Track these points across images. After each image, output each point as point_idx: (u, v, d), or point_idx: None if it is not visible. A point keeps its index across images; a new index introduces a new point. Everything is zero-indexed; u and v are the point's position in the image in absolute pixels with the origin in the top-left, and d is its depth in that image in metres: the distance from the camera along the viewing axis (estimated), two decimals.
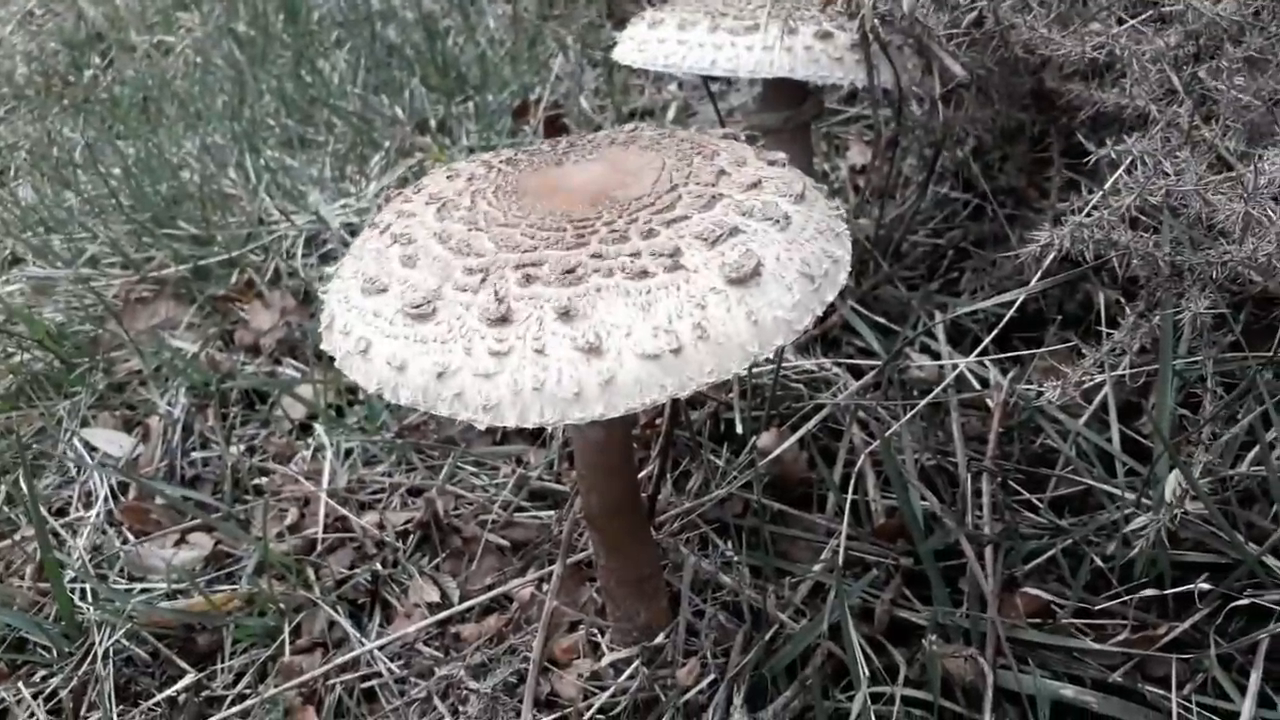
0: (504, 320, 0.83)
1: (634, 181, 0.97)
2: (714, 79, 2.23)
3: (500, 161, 1.08)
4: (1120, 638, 1.19)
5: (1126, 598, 1.23)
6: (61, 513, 1.74)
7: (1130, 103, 1.45)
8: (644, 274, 0.85)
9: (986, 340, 1.49)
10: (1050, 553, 1.29)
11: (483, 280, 0.87)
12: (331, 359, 0.96)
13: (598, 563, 1.28)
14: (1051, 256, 1.33)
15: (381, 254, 0.96)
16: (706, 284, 0.85)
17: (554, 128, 2.59)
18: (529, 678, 1.20)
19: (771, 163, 1.03)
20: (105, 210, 2.54)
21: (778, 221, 0.92)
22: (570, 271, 0.85)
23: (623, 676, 1.28)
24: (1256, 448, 1.26)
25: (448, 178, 1.07)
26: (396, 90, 2.94)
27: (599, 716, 1.26)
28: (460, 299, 0.86)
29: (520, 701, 1.28)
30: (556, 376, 0.81)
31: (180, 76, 3.67)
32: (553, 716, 1.27)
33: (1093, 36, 1.41)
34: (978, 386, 1.56)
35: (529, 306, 0.84)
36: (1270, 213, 1.13)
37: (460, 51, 3.08)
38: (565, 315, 0.82)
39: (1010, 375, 1.48)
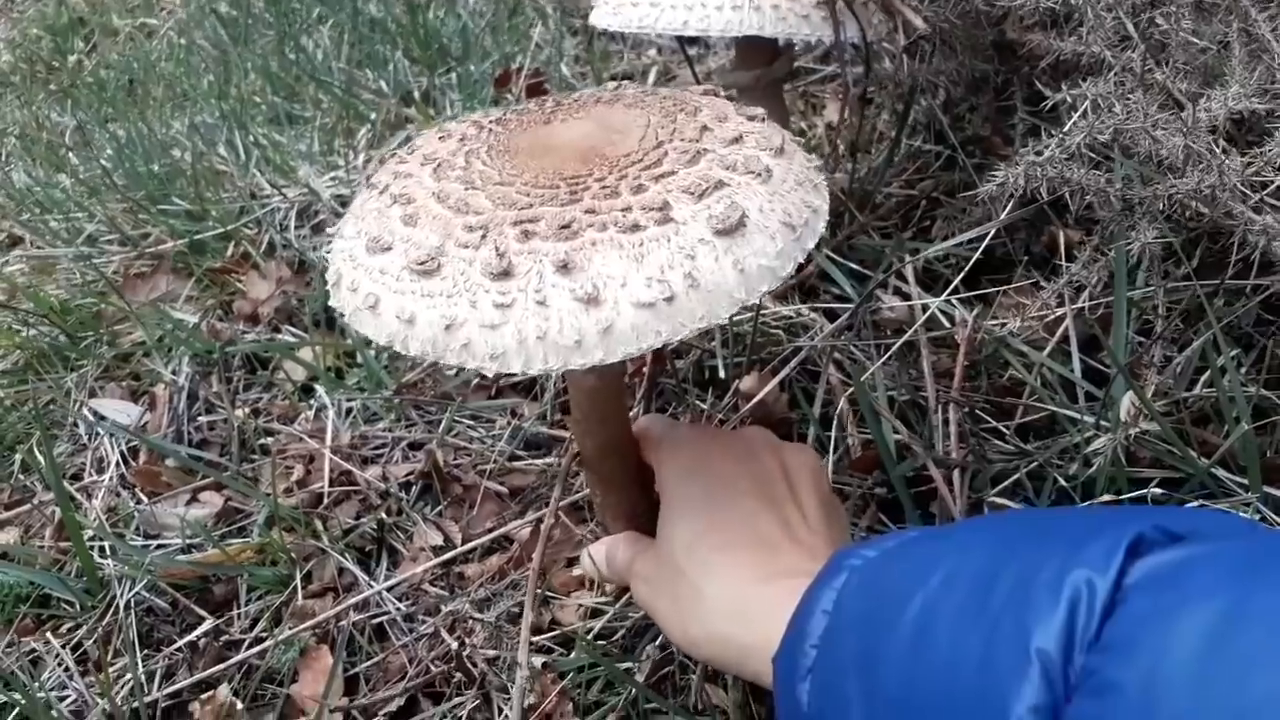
0: (506, 274, 0.86)
1: (621, 139, 1.00)
2: (691, 42, 2.29)
3: (490, 122, 1.11)
4: None
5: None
6: (76, 478, 1.81)
7: (1087, 50, 1.51)
8: (636, 227, 0.88)
9: (956, 280, 1.57)
10: (1016, 476, 1.38)
11: (483, 237, 0.90)
12: (332, 321, 1.01)
13: (595, 501, 1.35)
14: (1013, 196, 1.40)
15: (383, 213, 0.99)
16: (695, 235, 0.88)
17: (535, 95, 2.65)
18: (529, 584, 1.26)
19: (751, 118, 1.07)
20: (99, 190, 2.60)
21: (759, 175, 0.94)
22: (566, 227, 0.88)
23: (619, 604, 1.36)
24: (1209, 371, 1.34)
25: (440, 138, 1.10)
26: (380, 64, 2.99)
27: (600, 641, 1.34)
28: (463, 255, 0.89)
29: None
30: (558, 326, 0.84)
31: (165, 58, 3.71)
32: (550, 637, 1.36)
33: None
34: (948, 325, 1.63)
35: (529, 260, 0.87)
36: (1211, 146, 1.20)
37: (441, 24, 3.13)
38: (564, 268, 0.85)
39: (975, 312, 1.56)
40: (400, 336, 0.90)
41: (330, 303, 1.00)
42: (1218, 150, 1.23)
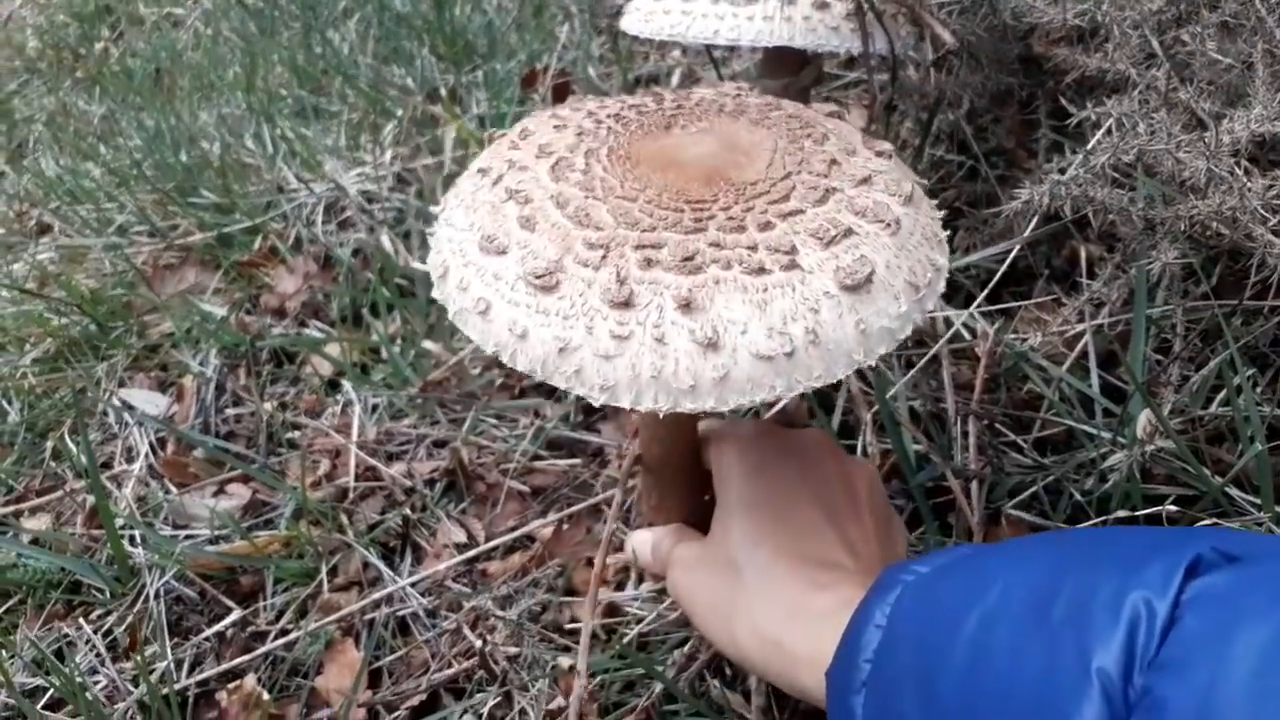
0: (626, 304, 0.83)
1: (747, 163, 0.97)
2: (716, 46, 2.30)
3: (608, 116, 1.07)
4: None
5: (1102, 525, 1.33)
6: (106, 466, 1.85)
7: (1112, 67, 1.53)
8: (761, 270, 0.85)
9: (980, 297, 1.59)
10: (1033, 488, 1.40)
11: (603, 257, 0.87)
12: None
13: (647, 504, 1.35)
14: (1035, 213, 1.42)
15: (497, 209, 0.95)
16: (821, 287, 0.85)
17: (562, 96, 2.67)
18: (589, 596, 1.23)
19: (879, 153, 1.02)
20: (128, 180, 2.64)
21: (889, 225, 0.91)
22: (689, 259, 0.85)
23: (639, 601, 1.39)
24: (1225, 390, 1.36)
25: (555, 127, 1.05)
26: (406, 59, 3.01)
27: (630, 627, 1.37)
28: (582, 274, 0.86)
29: (543, 628, 1.40)
30: (674, 367, 0.82)
31: (191, 48, 3.74)
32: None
33: (1075, 4, 1.49)
34: (969, 338, 1.65)
35: (649, 292, 0.84)
36: (1233, 168, 1.22)
37: (468, 20, 3.15)
38: (685, 307, 0.83)
39: (996, 326, 1.58)
40: (510, 349, 0.88)
41: (434, 294, 0.97)
42: (1239, 172, 1.25)
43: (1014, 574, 0.78)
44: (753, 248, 0.87)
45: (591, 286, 0.85)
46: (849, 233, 0.89)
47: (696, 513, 1.25)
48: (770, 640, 0.97)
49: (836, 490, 1.08)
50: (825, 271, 0.86)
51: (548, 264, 0.87)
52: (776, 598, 0.99)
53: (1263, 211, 1.22)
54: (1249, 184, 1.24)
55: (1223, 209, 1.24)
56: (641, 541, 1.22)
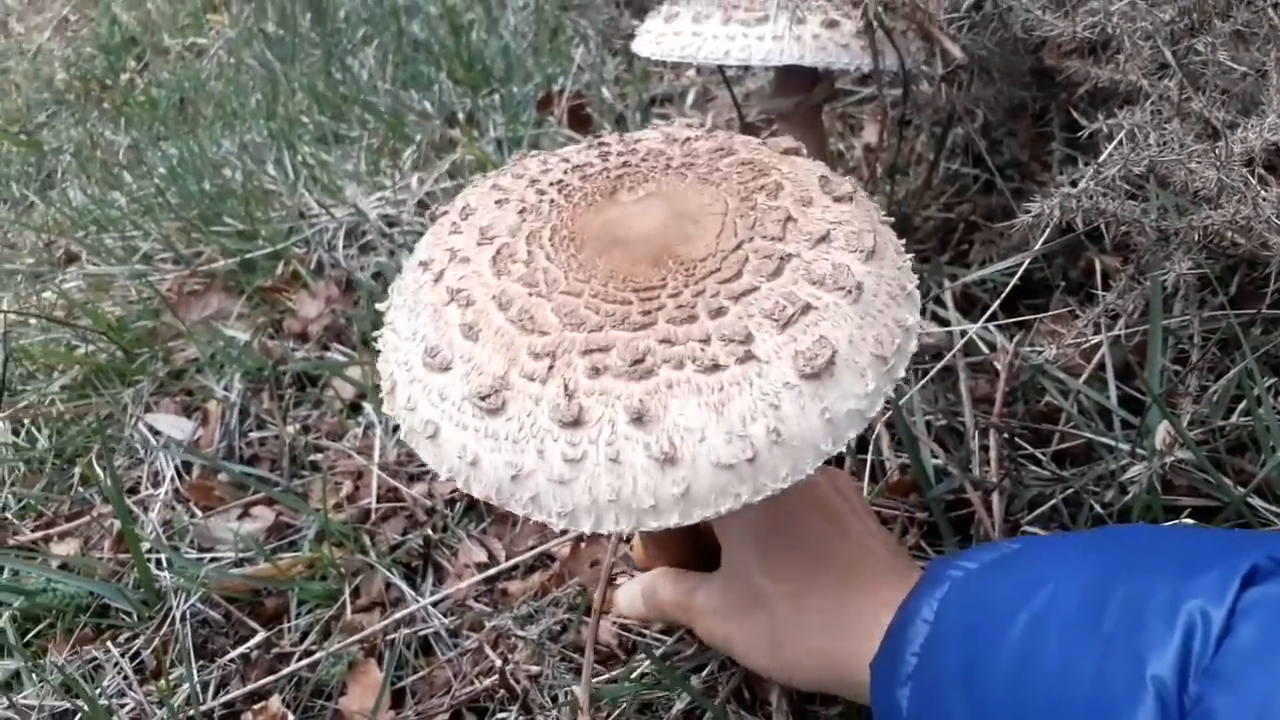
0: (576, 423, 0.79)
1: (697, 233, 0.91)
2: (729, 66, 2.32)
3: (551, 184, 1.02)
4: None
5: None
6: (133, 491, 1.87)
7: (1124, 78, 1.53)
8: (715, 367, 0.80)
9: (994, 307, 1.59)
10: (1052, 501, 1.39)
11: (550, 368, 0.82)
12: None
13: (641, 550, 1.33)
14: (1049, 225, 1.42)
15: (439, 314, 0.91)
16: (780, 377, 0.80)
17: (578, 118, 2.70)
18: (589, 633, 1.27)
19: (838, 199, 0.97)
20: (153, 209, 2.68)
21: (850, 292, 0.86)
22: (639, 361, 0.81)
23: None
24: (1245, 400, 1.35)
25: (497, 202, 1.01)
26: (425, 85, 3.05)
27: (639, 656, 1.38)
28: (529, 390, 0.82)
29: (563, 647, 1.40)
30: (632, 487, 0.78)
31: (214, 77, 3.81)
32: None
33: (1085, 17, 1.50)
34: (986, 351, 1.65)
35: (600, 404, 0.80)
36: (1246, 178, 1.22)
37: (485, 44, 3.19)
38: (638, 420, 0.78)
39: (1015, 339, 1.58)
40: (463, 475, 0.84)
41: (384, 409, 0.94)
42: (1253, 181, 1.25)
43: (1063, 576, 0.78)
44: (705, 340, 0.82)
45: (539, 404, 0.81)
46: (807, 309, 0.84)
47: (691, 555, 1.25)
48: (821, 650, 0.98)
49: (832, 498, 1.09)
50: (783, 359, 0.81)
51: (493, 381, 0.83)
52: (813, 620, 0.99)
53: (1277, 220, 1.21)
54: (1263, 193, 1.24)
55: (1237, 218, 1.24)
56: (629, 595, 1.24)
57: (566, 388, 0.81)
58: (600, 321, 0.84)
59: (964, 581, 0.85)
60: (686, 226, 0.92)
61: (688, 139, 1.07)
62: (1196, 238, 1.28)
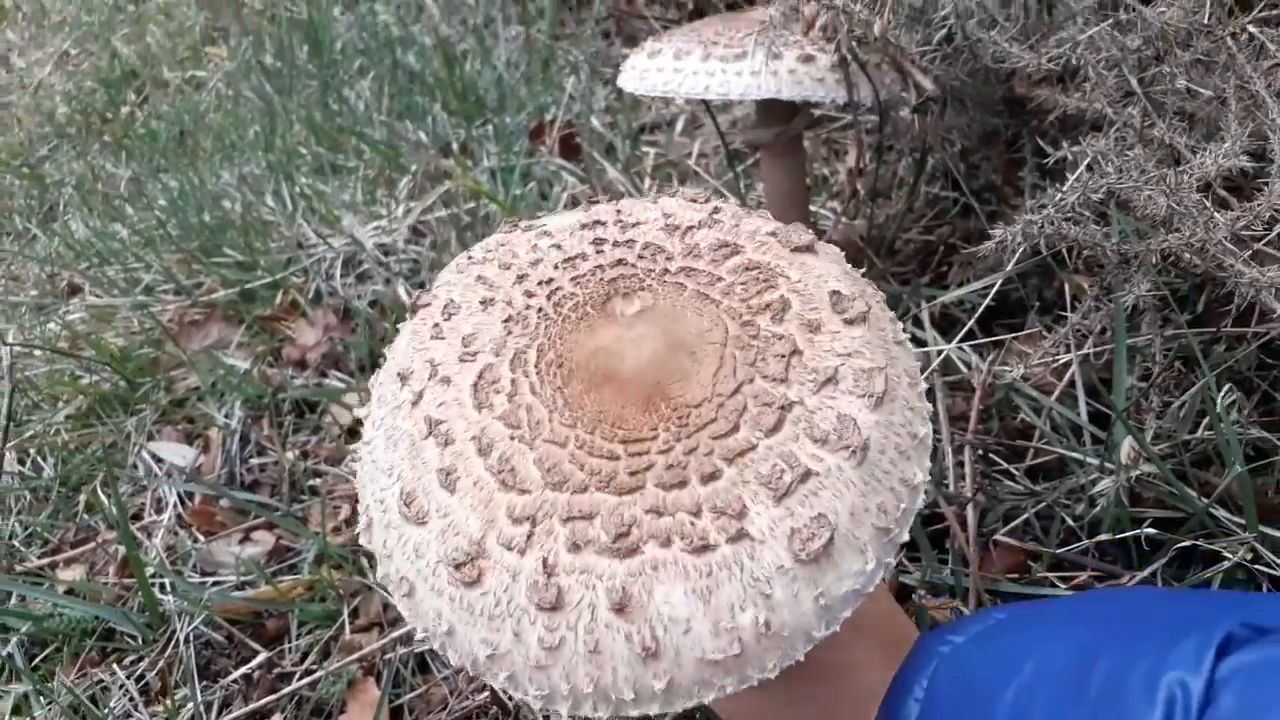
0: (554, 608, 0.75)
1: (692, 368, 0.85)
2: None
3: (539, 281, 0.96)
4: (1082, 579, 1.35)
5: (1094, 550, 1.38)
6: (136, 517, 1.92)
7: (1089, 106, 1.59)
8: (705, 547, 0.75)
9: (969, 323, 1.64)
10: (1025, 515, 1.45)
11: (529, 535, 0.78)
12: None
13: None
14: (1017, 249, 1.48)
15: (416, 450, 0.86)
16: (773, 561, 0.75)
17: (569, 147, 2.76)
18: None
19: (849, 321, 0.89)
20: (154, 241, 2.74)
21: (855, 453, 0.79)
22: (624, 535, 0.76)
23: None
24: (1208, 415, 1.40)
25: (481, 303, 0.96)
26: (419, 115, 3.12)
27: None
28: (507, 561, 0.78)
29: None
30: (611, 678, 0.75)
31: (213, 109, 3.88)
32: None
33: (1049, 49, 1.56)
34: (963, 370, 1.71)
35: (580, 586, 0.75)
36: (1202, 202, 1.28)
37: (478, 75, 3.26)
38: (620, 609, 0.74)
39: (990, 358, 1.63)
40: (438, 640, 0.81)
41: (361, 540, 0.91)
42: (1208, 205, 1.30)
43: (1048, 648, 0.80)
44: (695, 512, 0.77)
45: (517, 579, 0.77)
46: (807, 475, 0.78)
47: None
48: None
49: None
50: (778, 539, 0.75)
51: (469, 547, 0.79)
52: (808, 710, 0.99)
53: (1226, 243, 1.27)
54: (1217, 215, 1.30)
55: (1192, 241, 1.30)
56: None
57: (546, 564, 0.76)
58: (584, 481, 0.80)
59: (951, 656, 0.87)
60: (683, 360, 0.86)
61: (690, 228, 1.00)
62: (1155, 260, 1.33)
